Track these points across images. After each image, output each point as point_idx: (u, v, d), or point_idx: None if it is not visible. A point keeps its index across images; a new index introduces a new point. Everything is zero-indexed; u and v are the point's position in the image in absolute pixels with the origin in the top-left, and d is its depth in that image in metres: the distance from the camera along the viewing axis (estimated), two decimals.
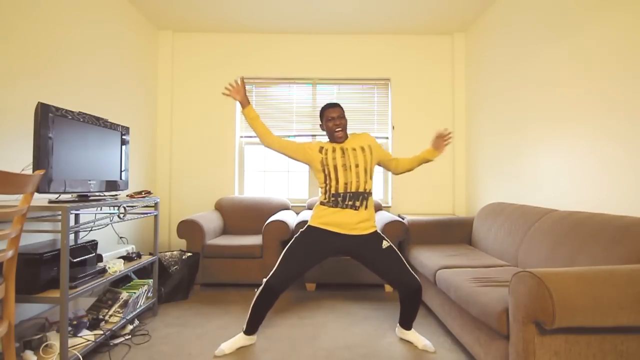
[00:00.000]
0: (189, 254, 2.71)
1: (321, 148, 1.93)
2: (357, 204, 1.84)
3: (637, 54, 1.68)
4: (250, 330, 1.87)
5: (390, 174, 3.64)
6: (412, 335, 1.93)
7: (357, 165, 1.85)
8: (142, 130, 3.29)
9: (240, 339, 1.87)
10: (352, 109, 3.65)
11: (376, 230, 1.92)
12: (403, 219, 2.97)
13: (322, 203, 1.90)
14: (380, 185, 3.74)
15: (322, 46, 3.63)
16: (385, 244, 1.88)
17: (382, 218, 2.92)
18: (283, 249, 2.91)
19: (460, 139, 3.56)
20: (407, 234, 2.76)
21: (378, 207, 3.37)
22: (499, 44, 2.90)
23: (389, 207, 3.61)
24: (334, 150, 1.90)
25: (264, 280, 1.83)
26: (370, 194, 1.89)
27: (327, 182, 1.87)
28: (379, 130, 3.67)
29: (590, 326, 1.19)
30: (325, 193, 1.89)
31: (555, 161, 2.23)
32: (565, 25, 2.14)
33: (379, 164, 2.04)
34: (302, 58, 3.63)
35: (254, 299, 1.83)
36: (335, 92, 3.68)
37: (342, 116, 1.92)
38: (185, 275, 2.61)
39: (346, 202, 1.83)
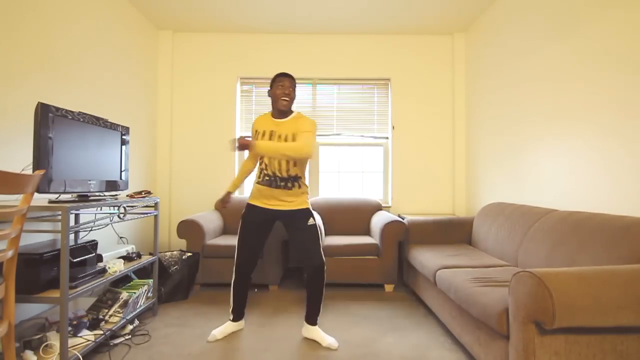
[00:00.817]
0: (189, 254, 2.71)
1: (256, 132, 2.02)
2: (289, 184, 1.97)
3: (637, 53, 1.68)
4: (237, 316, 2.04)
5: (390, 174, 3.64)
6: (316, 332, 1.96)
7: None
8: (142, 130, 3.29)
9: (229, 326, 2.03)
10: (352, 109, 3.65)
11: (307, 208, 2.03)
12: (403, 219, 2.97)
13: (258, 182, 2.03)
14: (380, 185, 3.74)
15: (322, 46, 3.63)
16: (311, 221, 2.01)
17: (382, 218, 2.92)
18: (283, 249, 2.92)
19: (460, 139, 3.56)
20: (407, 234, 2.76)
21: (378, 207, 3.37)
22: (499, 44, 2.90)
23: (389, 207, 3.61)
24: (263, 135, 1.98)
25: (234, 268, 2.03)
26: (297, 177, 1.99)
27: (261, 165, 2.01)
28: (379, 130, 3.67)
29: (590, 326, 1.19)
30: (260, 173, 2.02)
31: (556, 161, 2.23)
32: (565, 25, 2.14)
33: None
34: (302, 58, 3.63)
35: (232, 287, 2.03)
36: (335, 92, 3.68)
37: (292, 88, 1.98)
38: (185, 275, 2.60)
39: (278, 184, 1.96)
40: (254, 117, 3.66)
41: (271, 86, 2.01)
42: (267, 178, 1.97)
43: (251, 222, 2.02)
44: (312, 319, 1.99)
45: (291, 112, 2.03)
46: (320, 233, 2.03)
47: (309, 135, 1.87)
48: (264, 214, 2.00)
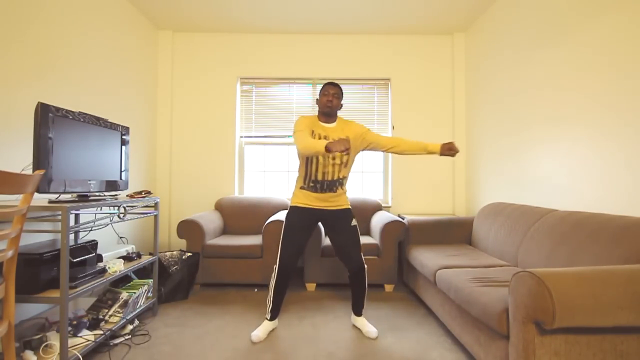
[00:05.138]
0: (189, 254, 2.71)
1: (312, 132, 2.05)
2: (334, 188, 2.06)
3: (637, 55, 1.68)
4: (274, 315, 2.08)
5: (390, 174, 3.64)
6: (361, 321, 2.11)
7: (334, 158, 2.02)
8: (142, 130, 3.29)
9: (268, 325, 2.07)
10: (352, 109, 3.65)
11: (348, 208, 2.13)
12: (403, 219, 2.97)
13: (302, 187, 2.08)
14: (380, 185, 3.74)
15: (322, 46, 3.63)
16: (353, 222, 2.11)
17: (382, 218, 2.92)
18: None
19: (460, 139, 3.56)
20: (407, 234, 2.76)
21: (378, 207, 3.37)
22: (499, 44, 2.90)
23: (389, 207, 3.61)
24: (319, 138, 2.02)
25: (275, 267, 2.05)
26: (344, 178, 2.10)
27: (308, 168, 2.05)
28: (379, 130, 3.66)
29: (590, 326, 1.19)
30: (305, 177, 2.07)
31: (555, 161, 2.23)
32: (565, 25, 2.14)
33: (370, 149, 2.16)
34: (302, 58, 3.62)
35: (273, 286, 2.05)
36: None
37: (337, 96, 2.06)
38: (185, 275, 2.61)
39: (324, 188, 2.04)
40: (254, 117, 3.67)
41: (320, 94, 2.09)
42: (312, 184, 2.05)
43: (296, 222, 2.06)
44: (358, 311, 2.14)
45: (335, 116, 2.12)
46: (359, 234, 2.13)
47: (382, 139, 2.12)
48: (308, 214, 2.07)
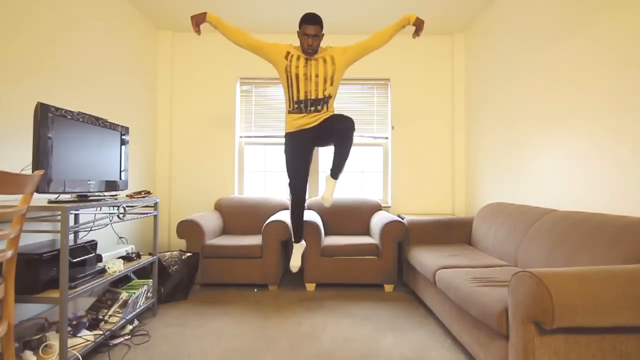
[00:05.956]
0: (189, 254, 2.71)
1: (288, 53, 2.12)
2: (319, 107, 2.15)
3: (637, 53, 1.68)
4: (299, 238, 2.38)
5: (390, 174, 3.64)
6: (330, 183, 2.24)
7: (317, 75, 2.09)
8: (142, 130, 3.29)
9: (298, 249, 2.40)
10: (352, 109, 3.65)
11: (332, 114, 2.22)
12: (403, 219, 2.97)
13: (289, 112, 2.20)
14: (379, 185, 3.74)
15: None
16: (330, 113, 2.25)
17: (381, 218, 2.92)
18: (283, 249, 2.92)
19: (459, 139, 3.56)
20: (406, 234, 2.76)
21: (377, 207, 3.37)
22: (499, 44, 2.90)
23: (389, 207, 3.61)
24: (298, 58, 2.11)
25: (288, 199, 2.32)
26: (329, 97, 2.18)
27: (290, 89, 2.14)
28: (379, 130, 3.67)
29: (590, 326, 1.19)
30: (289, 100, 2.18)
31: (555, 161, 2.23)
32: (564, 25, 2.14)
33: (360, 57, 2.23)
34: None
35: (291, 213, 2.30)
36: None
37: (317, 35, 2.07)
38: (184, 276, 2.60)
39: (309, 108, 2.13)
40: (254, 117, 3.67)
41: (299, 26, 2.09)
42: (296, 105, 2.14)
43: (295, 145, 2.21)
44: (334, 174, 2.23)
45: (316, 52, 2.14)
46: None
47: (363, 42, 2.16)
48: (302, 137, 2.19)
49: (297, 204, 2.27)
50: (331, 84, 2.14)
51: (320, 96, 2.12)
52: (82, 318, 1.78)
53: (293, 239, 2.41)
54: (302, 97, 2.12)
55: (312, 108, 2.14)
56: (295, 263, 2.39)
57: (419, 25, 2.13)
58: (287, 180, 2.27)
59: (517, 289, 1.27)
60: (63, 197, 1.86)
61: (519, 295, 1.26)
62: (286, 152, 2.27)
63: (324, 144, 2.28)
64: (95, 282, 1.71)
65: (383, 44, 2.20)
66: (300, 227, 2.35)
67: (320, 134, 2.20)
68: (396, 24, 2.17)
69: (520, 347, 1.26)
